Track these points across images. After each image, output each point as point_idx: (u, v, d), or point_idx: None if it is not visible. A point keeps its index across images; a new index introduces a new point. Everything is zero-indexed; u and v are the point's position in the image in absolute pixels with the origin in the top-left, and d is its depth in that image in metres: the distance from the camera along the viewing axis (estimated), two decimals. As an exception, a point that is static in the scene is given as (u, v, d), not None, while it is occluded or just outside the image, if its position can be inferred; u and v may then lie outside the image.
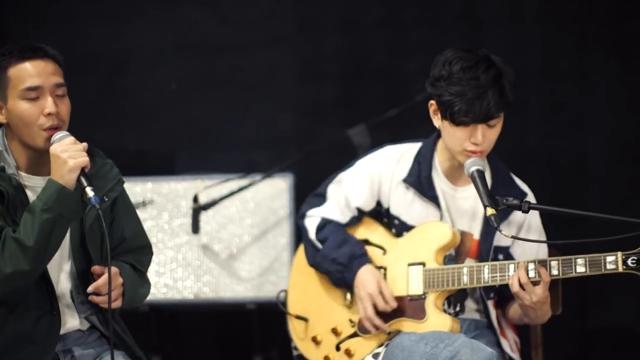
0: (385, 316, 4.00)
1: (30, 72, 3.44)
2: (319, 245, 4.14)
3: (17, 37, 5.87)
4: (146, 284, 3.72)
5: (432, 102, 3.95)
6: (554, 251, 4.01)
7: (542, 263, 3.78)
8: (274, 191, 5.44)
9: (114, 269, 3.49)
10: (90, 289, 3.48)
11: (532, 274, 3.78)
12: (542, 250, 4.02)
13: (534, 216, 4.05)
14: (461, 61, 3.87)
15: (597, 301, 5.62)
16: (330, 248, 4.09)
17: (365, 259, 4.06)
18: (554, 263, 3.76)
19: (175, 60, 5.96)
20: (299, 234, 4.30)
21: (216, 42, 5.94)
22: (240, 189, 5.37)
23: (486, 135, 3.88)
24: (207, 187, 5.42)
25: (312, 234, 4.17)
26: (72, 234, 3.51)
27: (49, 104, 3.43)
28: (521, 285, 3.78)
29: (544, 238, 4.07)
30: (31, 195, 3.47)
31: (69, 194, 3.37)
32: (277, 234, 5.42)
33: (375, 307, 3.99)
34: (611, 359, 5.68)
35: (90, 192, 3.37)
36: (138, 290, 3.64)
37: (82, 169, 3.39)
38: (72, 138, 3.43)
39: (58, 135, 3.43)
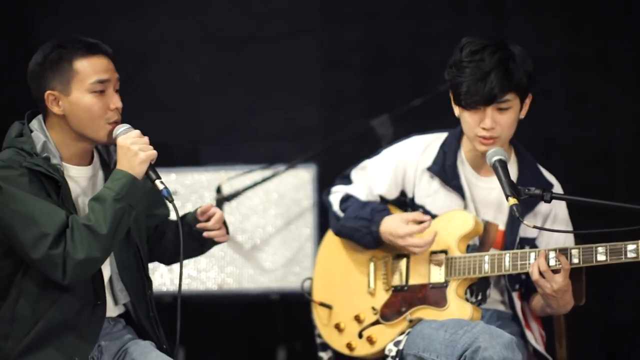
0: (408, 303, 4.01)
1: (100, 66, 3.50)
2: (341, 214, 4.15)
3: (40, 31, 5.89)
4: None
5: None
6: (579, 242, 3.99)
7: (563, 251, 3.76)
8: (298, 182, 5.44)
9: (218, 211, 3.80)
10: (210, 224, 3.77)
11: (552, 262, 3.77)
12: (568, 242, 3.99)
13: (561, 207, 4.04)
14: (470, 46, 3.89)
15: (621, 292, 5.58)
16: (353, 210, 4.10)
17: (387, 212, 4.05)
18: (574, 251, 3.75)
19: (199, 52, 5.97)
20: (323, 225, 4.32)
21: (239, 33, 5.94)
22: (264, 180, 5.38)
23: (497, 120, 3.87)
24: (230, 178, 5.42)
25: (335, 206, 4.19)
26: None
27: (116, 99, 3.51)
28: (541, 274, 3.77)
29: (570, 229, 4.05)
30: (73, 186, 3.51)
31: (139, 185, 3.43)
32: (301, 225, 5.42)
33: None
34: (636, 350, 5.65)
35: (160, 185, 3.46)
36: None
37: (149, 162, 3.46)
38: (138, 131, 3.50)
39: (122, 128, 3.50)
